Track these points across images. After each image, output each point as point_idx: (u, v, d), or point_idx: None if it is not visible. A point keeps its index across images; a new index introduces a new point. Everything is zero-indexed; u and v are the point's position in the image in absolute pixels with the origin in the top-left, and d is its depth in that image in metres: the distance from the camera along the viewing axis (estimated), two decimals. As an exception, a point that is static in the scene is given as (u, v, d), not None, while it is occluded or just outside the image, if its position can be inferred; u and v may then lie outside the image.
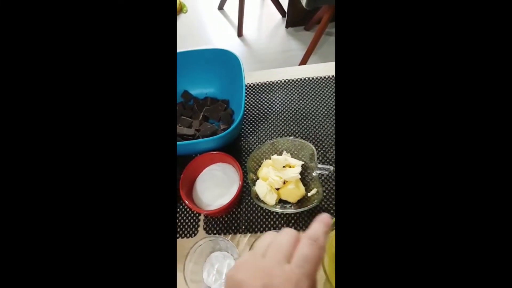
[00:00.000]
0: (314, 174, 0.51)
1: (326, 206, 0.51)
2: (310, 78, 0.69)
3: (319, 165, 0.51)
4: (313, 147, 0.53)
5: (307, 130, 0.61)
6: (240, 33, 1.85)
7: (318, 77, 0.69)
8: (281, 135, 0.61)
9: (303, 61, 1.61)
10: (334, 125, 0.61)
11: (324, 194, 0.52)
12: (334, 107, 0.64)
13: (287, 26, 1.86)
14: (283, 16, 1.90)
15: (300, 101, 0.66)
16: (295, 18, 1.81)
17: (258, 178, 0.53)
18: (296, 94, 0.67)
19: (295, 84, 0.69)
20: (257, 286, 0.22)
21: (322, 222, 0.27)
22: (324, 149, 0.58)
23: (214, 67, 0.65)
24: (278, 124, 0.63)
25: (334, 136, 0.59)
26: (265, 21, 1.95)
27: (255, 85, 0.70)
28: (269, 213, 0.52)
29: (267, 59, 1.73)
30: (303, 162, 0.53)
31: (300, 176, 0.51)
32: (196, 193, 0.53)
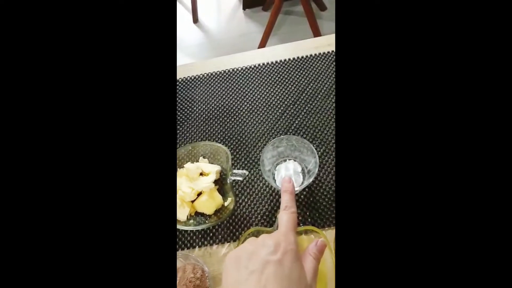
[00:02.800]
0: (228, 181, 0.47)
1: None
2: (269, 63, 0.63)
3: (234, 171, 0.46)
4: (227, 150, 0.48)
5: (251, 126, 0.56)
6: (195, 19, 1.75)
7: (277, 61, 0.63)
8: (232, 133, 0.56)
9: (262, 44, 1.53)
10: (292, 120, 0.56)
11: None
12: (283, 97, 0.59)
13: (244, 8, 1.76)
14: (239, -3, 1.80)
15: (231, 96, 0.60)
16: (252, -1, 1.72)
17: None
18: (249, 84, 0.61)
19: (252, 70, 0.62)
20: (265, 243, 0.28)
21: (286, 192, 0.33)
22: (246, 148, 0.53)
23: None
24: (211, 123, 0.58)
25: (290, 128, 0.54)
26: (220, 4, 1.85)
27: (210, 75, 0.64)
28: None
29: (225, 45, 1.65)
30: (218, 168, 0.49)
31: (213, 185, 0.46)
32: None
